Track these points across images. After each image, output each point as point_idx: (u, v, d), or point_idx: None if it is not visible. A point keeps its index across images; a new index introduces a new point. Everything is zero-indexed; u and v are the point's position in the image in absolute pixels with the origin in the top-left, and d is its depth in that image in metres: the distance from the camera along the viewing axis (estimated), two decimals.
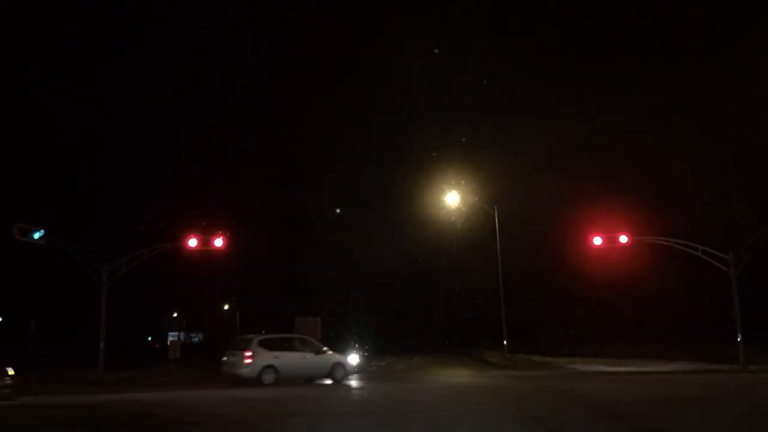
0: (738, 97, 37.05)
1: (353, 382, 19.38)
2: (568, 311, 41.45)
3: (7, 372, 14.98)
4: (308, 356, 18.67)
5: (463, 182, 35.25)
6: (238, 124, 59.18)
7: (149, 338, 50.61)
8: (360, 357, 27.12)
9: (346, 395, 14.94)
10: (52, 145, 40.51)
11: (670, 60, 48.58)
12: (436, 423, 9.88)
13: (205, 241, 24.87)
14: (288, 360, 18.06)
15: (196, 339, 53.93)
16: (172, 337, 46.77)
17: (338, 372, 18.81)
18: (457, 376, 21.85)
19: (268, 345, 18.32)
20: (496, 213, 32.88)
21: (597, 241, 25.14)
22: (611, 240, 25.15)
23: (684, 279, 31.78)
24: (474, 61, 46.80)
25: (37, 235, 21.90)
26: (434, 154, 47.99)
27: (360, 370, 26.28)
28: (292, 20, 63.82)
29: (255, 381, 17.31)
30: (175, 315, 51.08)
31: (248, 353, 17.67)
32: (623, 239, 25.08)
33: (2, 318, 37.24)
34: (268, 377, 17.51)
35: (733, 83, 37.57)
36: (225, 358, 18.97)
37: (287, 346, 18.90)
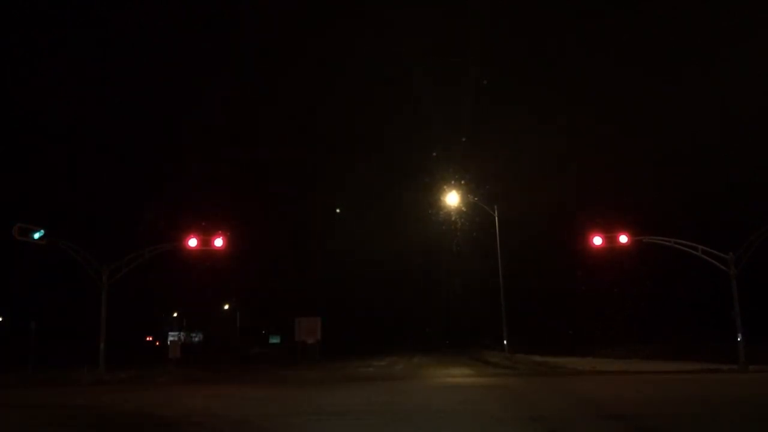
0: (737, 97, 37.04)
1: (353, 382, 19.39)
2: (568, 311, 41.44)
3: None
4: None
5: (463, 182, 35.31)
6: (239, 125, 59.23)
7: (149, 338, 50.64)
8: (360, 356, 27.17)
9: (346, 395, 14.93)
10: (52, 146, 40.52)
11: (672, 62, 48.61)
12: (435, 423, 9.88)
13: (205, 241, 24.87)
14: None
15: (196, 339, 53.96)
16: (172, 337, 46.83)
17: None
18: (456, 376, 21.85)
19: None
20: (496, 213, 32.87)
21: (597, 240, 25.14)
22: (611, 240, 25.16)
23: (684, 279, 31.77)
24: (474, 62, 46.87)
25: (37, 235, 21.91)
26: (434, 154, 48.11)
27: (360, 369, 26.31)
28: (292, 21, 63.80)
29: None
30: (175, 315, 51.15)
31: None
32: (623, 239, 25.09)
33: (2, 318, 37.25)
34: None
35: (733, 85, 37.59)
36: None
37: None
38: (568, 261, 36.45)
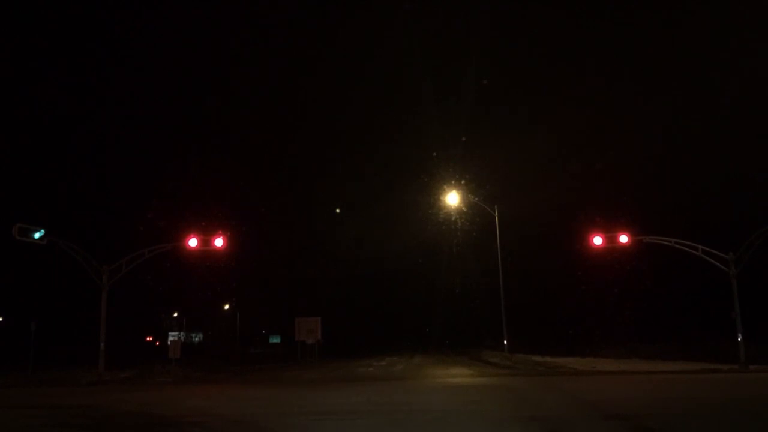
0: (738, 97, 37.06)
1: (353, 383, 19.39)
2: (568, 311, 41.44)
3: None
4: None
5: (463, 182, 35.33)
6: (239, 125, 59.23)
7: (149, 338, 50.64)
8: (360, 356, 27.19)
9: (346, 395, 14.93)
10: (52, 145, 40.52)
11: (672, 61, 48.63)
12: (436, 423, 9.88)
13: (205, 241, 24.85)
14: None
15: (196, 339, 54.00)
16: (172, 337, 46.85)
17: None
18: (457, 376, 21.84)
19: None
20: (496, 213, 32.87)
21: (597, 240, 25.14)
22: (611, 240, 25.15)
23: (684, 279, 31.76)
24: (474, 61, 46.96)
25: (37, 235, 21.89)
26: (434, 154, 48.20)
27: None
28: (293, 22, 63.77)
29: None
30: (175, 315, 51.16)
31: None
32: (623, 239, 25.08)
33: (2, 318, 37.22)
34: None
35: (733, 85, 37.59)
36: None
37: None
38: (568, 261, 36.45)
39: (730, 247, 23.27)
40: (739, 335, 22.46)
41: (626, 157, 42.17)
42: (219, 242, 24.78)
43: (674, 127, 43.73)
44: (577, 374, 21.67)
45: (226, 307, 54.42)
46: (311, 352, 38.18)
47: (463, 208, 36.86)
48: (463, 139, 41.65)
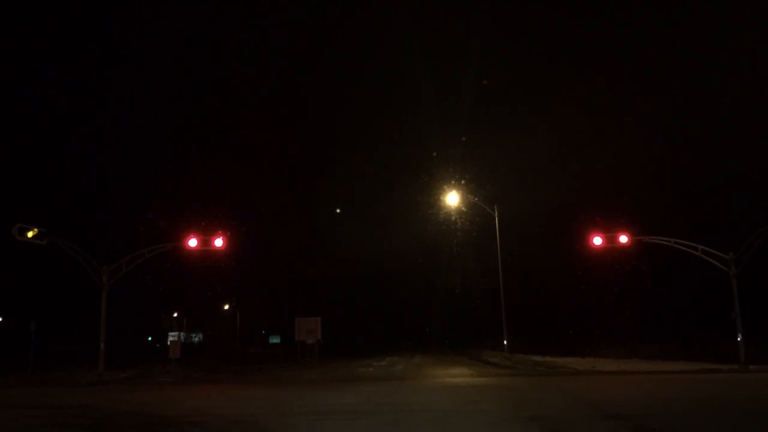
0: (739, 96, 37.06)
1: (353, 383, 19.38)
2: (568, 311, 41.43)
3: None
4: None
5: (463, 182, 35.33)
6: (239, 125, 59.23)
7: (149, 338, 50.63)
8: (360, 356, 27.18)
9: (346, 395, 14.93)
10: (52, 145, 40.52)
11: (672, 61, 48.63)
12: (436, 423, 9.87)
13: (205, 241, 24.85)
14: None
15: (196, 339, 53.98)
16: (172, 337, 46.83)
17: None
18: (457, 376, 21.83)
19: None
20: (496, 213, 32.85)
21: (597, 240, 25.14)
22: (611, 240, 25.15)
23: (684, 279, 31.76)
24: (474, 61, 47.00)
25: (36, 235, 21.86)
26: (434, 154, 48.22)
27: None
28: (293, 22, 63.77)
29: None
30: (175, 315, 51.15)
31: None
32: (623, 239, 25.08)
33: (2, 318, 37.22)
34: None
35: (733, 85, 37.59)
36: None
37: None
38: (568, 261, 36.44)
39: (730, 247, 23.26)
40: (739, 335, 22.45)
41: (626, 157, 42.20)
42: (219, 242, 24.77)
43: (674, 127, 43.74)
44: (577, 374, 21.66)
45: (226, 307, 54.41)
46: (311, 352, 38.18)
47: (463, 208, 36.89)
48: (463, 139, 41.70)
